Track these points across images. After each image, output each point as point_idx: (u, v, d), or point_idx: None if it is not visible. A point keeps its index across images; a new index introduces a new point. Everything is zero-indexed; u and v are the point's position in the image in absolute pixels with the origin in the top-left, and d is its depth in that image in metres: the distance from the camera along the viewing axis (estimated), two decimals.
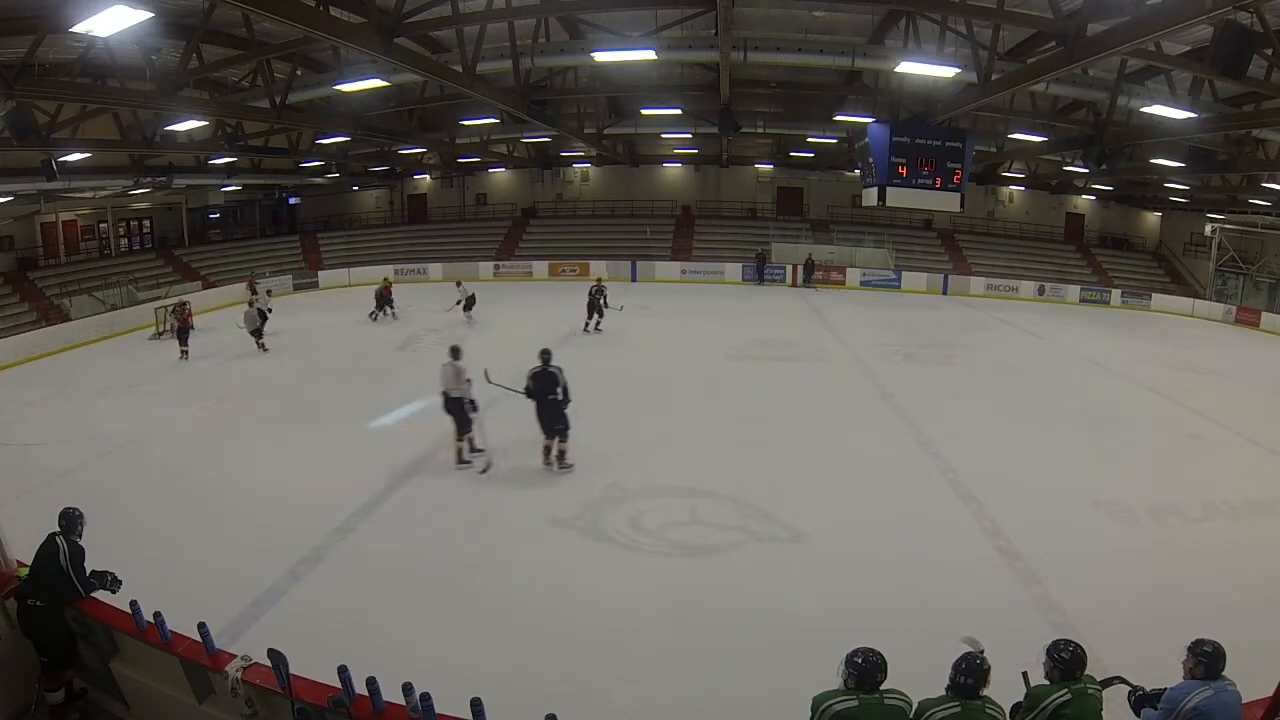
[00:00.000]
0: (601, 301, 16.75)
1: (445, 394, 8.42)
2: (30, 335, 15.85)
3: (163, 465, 8.88)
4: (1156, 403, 12.28)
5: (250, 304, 15.94)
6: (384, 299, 18.63)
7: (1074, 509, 7.66)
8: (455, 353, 8.51)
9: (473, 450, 8.59)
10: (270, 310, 16.43)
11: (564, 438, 8.35)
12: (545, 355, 8.22)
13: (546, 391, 8.03)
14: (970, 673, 2.90)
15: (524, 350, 8.32)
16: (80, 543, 4.15)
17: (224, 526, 7.06)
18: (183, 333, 14.93)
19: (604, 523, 7.17)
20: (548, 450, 8.41)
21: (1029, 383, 13.41)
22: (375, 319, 18.39)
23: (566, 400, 8.14)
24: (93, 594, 4.12)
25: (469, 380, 8.37)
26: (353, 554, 6.59)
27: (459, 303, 18.20)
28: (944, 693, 2.96)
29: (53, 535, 4.09)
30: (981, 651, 3.06)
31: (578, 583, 6.14)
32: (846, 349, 15.69)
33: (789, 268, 25.89)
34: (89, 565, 4.16)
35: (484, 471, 8.38)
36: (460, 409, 8.42)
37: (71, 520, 4.18)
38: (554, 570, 6.34)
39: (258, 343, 15.10)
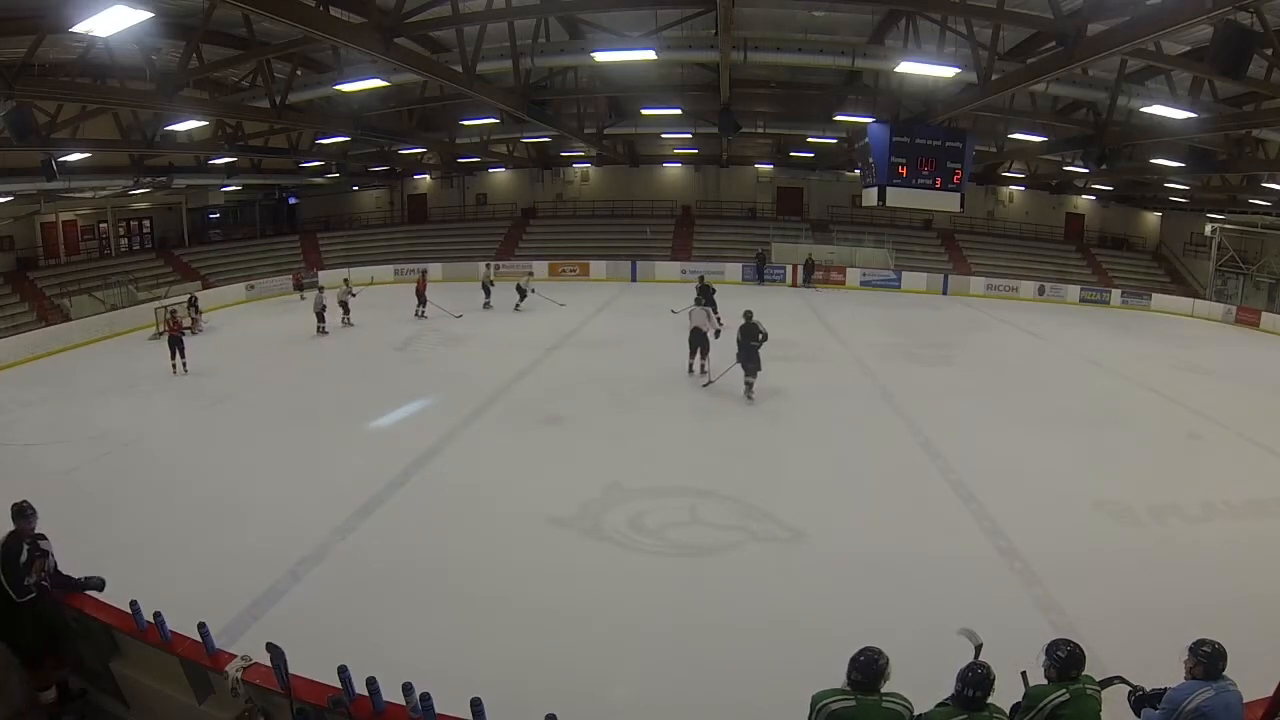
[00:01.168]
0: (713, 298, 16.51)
1: (696, 328, 12.00)
2: (30, 335, 15.84)
3: (162, 465, 8.89)
4: (1156, 403, 12.28)
5: (301, 297, 18.00)
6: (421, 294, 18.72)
7: (1074, 509, 7.66)
8: (701, 299, 12.71)
9: (703, 372, 12.10)
10: (355, 294, 18.13)
11: (753, 375, 11.04)
12: (748, 314, 11.10)
13: (749, 339, 10.93)
14: (975, 684, 2.86)
15: (519, 347, 8.31)
16: (21, 542, 3.93)
17: (224, 526, 7.07)
18: (174, 341, 13.37)
19: (604, 523, 7.17)
20: (749, 384, 11.17)
21: (1029, 383, 13.41)
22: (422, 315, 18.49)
23: (762, 340, 10.90)
24: (27, 599, 3.87)
25: (720, 322, 12.04)
26: (353, 554, 6.59)
27: (521, 295, 19.45)
28: (948, 703, 2.92)
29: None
30: (980, 646, 3.05)
31: (578, 582, 6.14)
32: (846, 349, 15.69)
33: (789, 268, 25.90)
34: (88, 570, 4.16)
35: (708, 384, 11.82)
36: (705, 339, 12.02)
37: (12, 517, 3.98)
38: (554, 570, 6.34)
39: (320, 327, 16.76)
